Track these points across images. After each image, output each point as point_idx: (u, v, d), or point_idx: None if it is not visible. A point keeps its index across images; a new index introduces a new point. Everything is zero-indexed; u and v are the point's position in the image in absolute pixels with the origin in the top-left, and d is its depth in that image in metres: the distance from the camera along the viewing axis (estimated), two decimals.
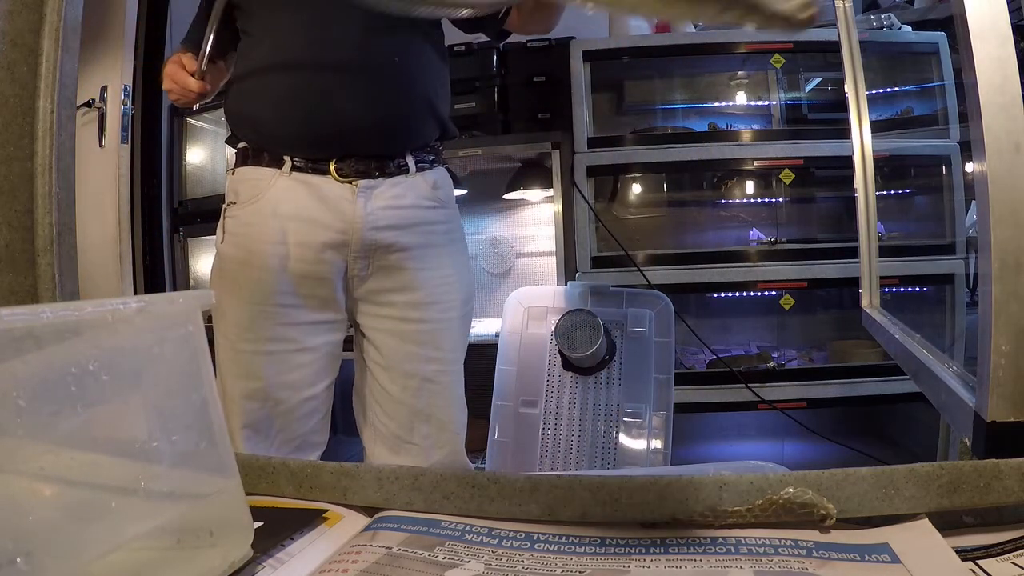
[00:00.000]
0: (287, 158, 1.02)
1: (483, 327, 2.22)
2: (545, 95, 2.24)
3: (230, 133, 1.10)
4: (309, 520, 0.47)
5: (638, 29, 2.27)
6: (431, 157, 1.10)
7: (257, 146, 1.05)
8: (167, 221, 2.50)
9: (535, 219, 2.51)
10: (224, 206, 1.07)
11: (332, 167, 1.02)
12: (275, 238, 1.01)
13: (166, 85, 1.03)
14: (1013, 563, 0.39)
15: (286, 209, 1.01)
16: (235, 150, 1.09)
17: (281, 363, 1.03)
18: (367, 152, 1.03)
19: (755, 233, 2.26)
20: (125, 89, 2.17)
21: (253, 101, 1.03)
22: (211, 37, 0.99)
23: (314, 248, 1.02)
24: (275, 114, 1.01)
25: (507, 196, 2.37)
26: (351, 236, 1.02)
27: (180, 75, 0.99)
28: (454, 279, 1.11)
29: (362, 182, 1.02)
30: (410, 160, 1.06)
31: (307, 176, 1.02)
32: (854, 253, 1.38)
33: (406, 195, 1.05)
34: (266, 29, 1.03)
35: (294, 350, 1.04)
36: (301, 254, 1.02)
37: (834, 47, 1.34)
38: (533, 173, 2.28)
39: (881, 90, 2.26)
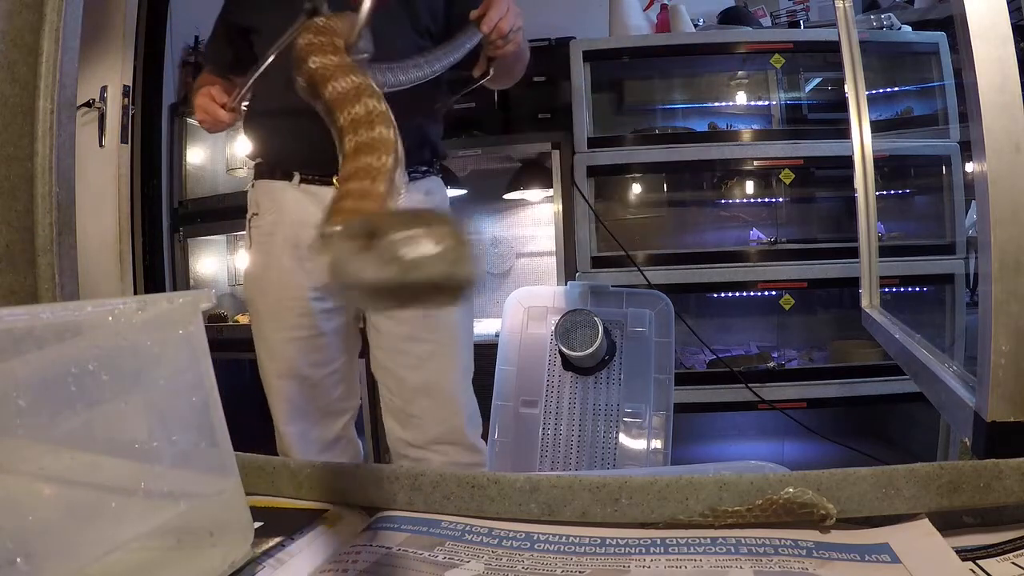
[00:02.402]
0: (296, 173, 1.17)
1: (483, 327, 2.22)
2: (545, 95, 2.24)
3: (251, 147, 1.27)
4: (309, 520, 0.47)
5: (638, 29, 2.27)
6: (424, 168, 1.22)
7: (270, 162, 1.20)
8: (167, 221, 2.50)
9: (535, 219, 2.50)
10: (248, 216, 1.24)
11: (335, 180, 1.06)
12: (291, 242, 1.16)
13: (198, 116, 1.17)
14: (1013, 563, 0.39)
15: (298, 217, 1.16)
16: (253, 163, 1.26)
17: (304, 346, 1.19)
18: None
19: (755, 233, 2.26)
20: (125, 89, 2.16)
21: (266, 127, 1.19)
22: (251, 83, 1.03)
23: None
24: (284, 142, 1.17)
25: (507, 196, 2.37)
26: None
27: (211, 107, 1.12)
28: None
29: None
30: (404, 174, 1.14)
31: (314, 187, 1.16)
32: (854, 253, 1.38)
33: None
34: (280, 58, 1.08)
35: (312, 335, 1.19)
36: (312, 255, 1.10)
37: (834, 47, 1.34)
38: (533, 173, 2.28)
39: (881, 90, 2.26)
